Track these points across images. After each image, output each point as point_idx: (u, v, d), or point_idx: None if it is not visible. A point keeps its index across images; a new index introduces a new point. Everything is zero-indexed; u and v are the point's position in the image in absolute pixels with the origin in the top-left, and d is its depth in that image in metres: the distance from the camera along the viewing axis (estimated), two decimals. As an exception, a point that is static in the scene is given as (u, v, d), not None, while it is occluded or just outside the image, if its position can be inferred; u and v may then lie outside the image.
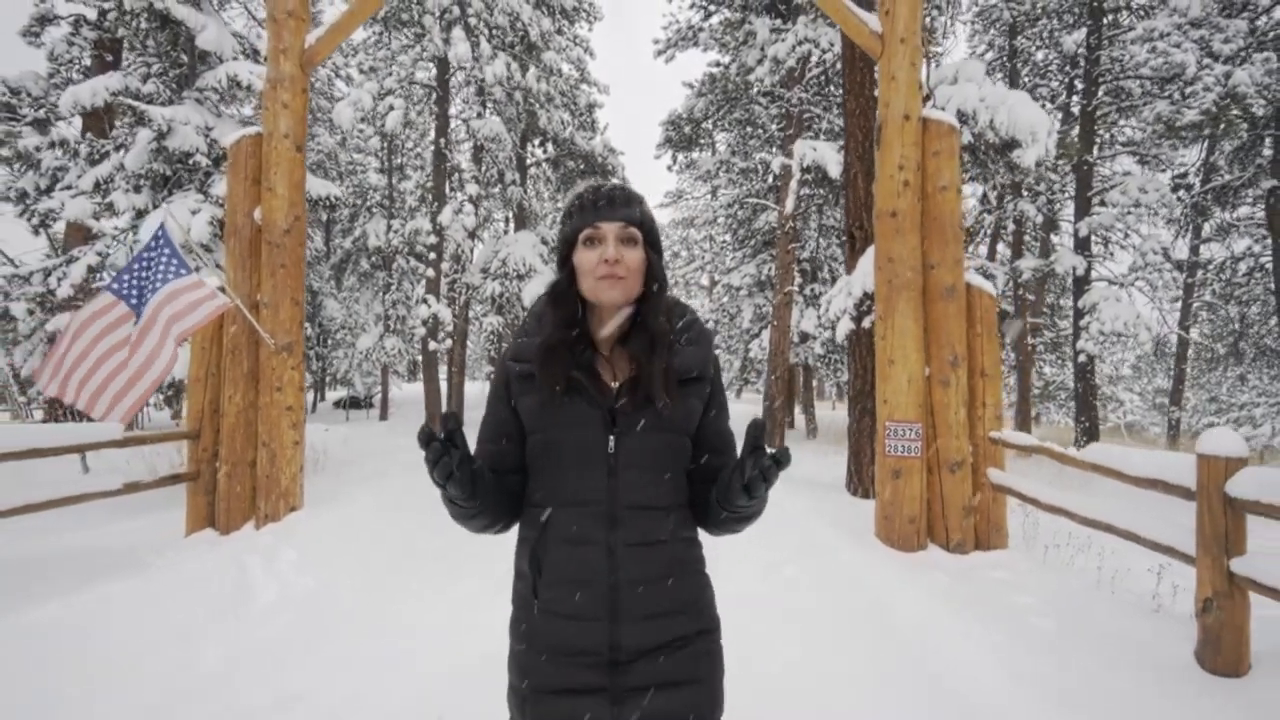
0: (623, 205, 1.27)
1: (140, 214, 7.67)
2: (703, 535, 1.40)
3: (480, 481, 1.18)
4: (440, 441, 1.05)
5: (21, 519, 4.96)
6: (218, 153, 7.83)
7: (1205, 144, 16.36)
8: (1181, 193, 16.70)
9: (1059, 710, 2.66)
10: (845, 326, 7.19)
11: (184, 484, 5.95)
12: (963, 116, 6.73)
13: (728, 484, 1.18)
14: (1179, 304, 18.36)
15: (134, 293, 4.91)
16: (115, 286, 4.93)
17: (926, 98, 7.24)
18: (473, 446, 1.30)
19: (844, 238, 8.01)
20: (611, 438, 1.24)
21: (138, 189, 7.51)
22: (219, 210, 7.39)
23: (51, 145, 7.90)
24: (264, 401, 5.86)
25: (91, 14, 10.82)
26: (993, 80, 17.92)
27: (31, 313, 7.71)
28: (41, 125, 11.07)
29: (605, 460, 1.24)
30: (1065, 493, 4.90)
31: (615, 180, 1.27)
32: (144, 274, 4.87)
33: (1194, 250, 17.99)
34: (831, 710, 2.79)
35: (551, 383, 1.23)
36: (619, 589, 1.22)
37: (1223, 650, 3.09)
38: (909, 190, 5.38)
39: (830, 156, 8.31)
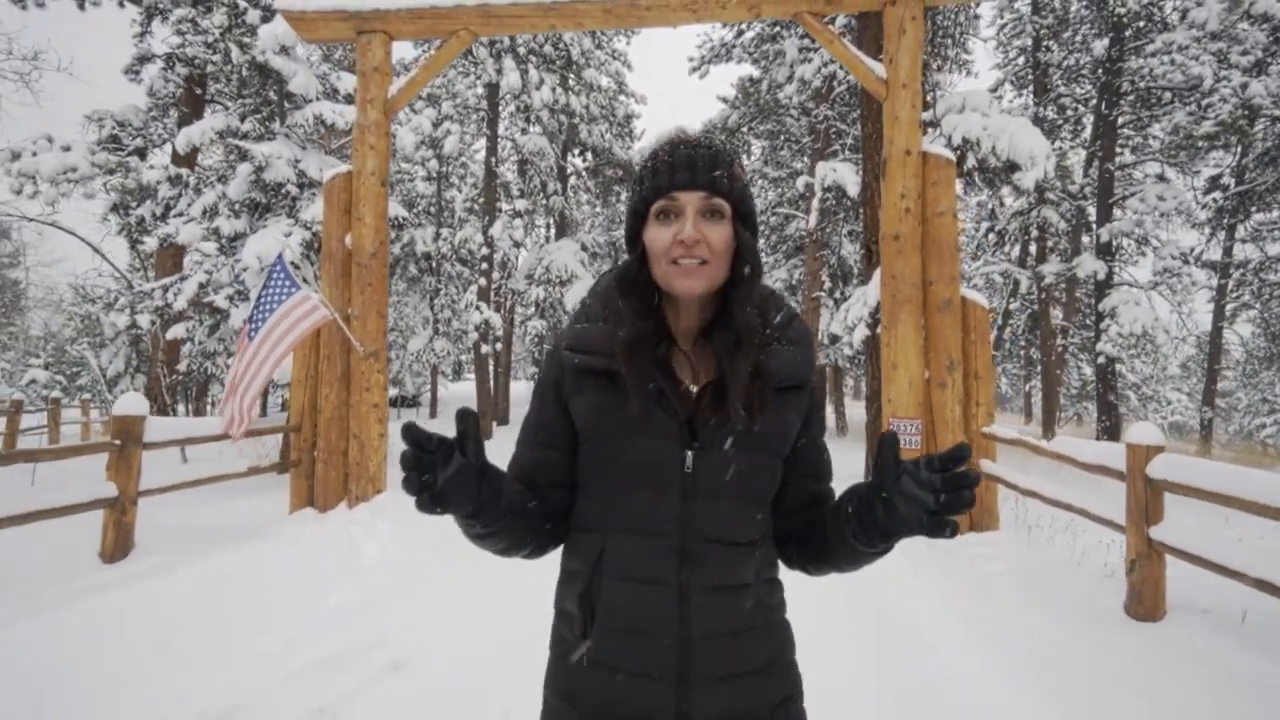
0: (707, 169, 1.02)
1: (238, 236, 8.82)
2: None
3: (492, 501, 0.94)
4: (431, 450, 0.83)
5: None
6: (304, 181, 8.93)
7: (1239, 148, 16.56)
8: (1216, 194, 16.91)
9: (982, 637, 3.46)
10: (861, 333, 7.96)
11: (270, 470, 6.96)
12: (967, 143, 7.43)
13: (883, 517, 0.92)
14: (1211, 305, 18.46)
15: (254, 325, 5.88)
16: (249, 327, 5.95)
17: (934, 124, 7.96)
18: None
19: (862, 250, 8.77)
20: (689, 454, 1.02)
21: (237, 215, 8.67)
22: (307, 233, 8.48)
23: (169, 180, 9.13)
24: (355, 400, 6.88)
25: (177, 47, 12.07)
26: (1018, 90, 18.31)
27: (154, 323, 8.98)
28: (141, 154, 12.43)
29: (680, 482, 1.02)
30: (1064, 486, 5.58)
31: (697, 134, 1.08)
32: (264, 301, 5.87)
33: (1227, 252, 18.10)
34: (810, 630, 3.62)
35: (642, 387, 1.02)
36: (691, 643, 1.01)
37: (1144, 600, 3.83)
38: (910, 216, 6.14)
39: (849, 177, 9.06)
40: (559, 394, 1.11)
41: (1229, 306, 19.19)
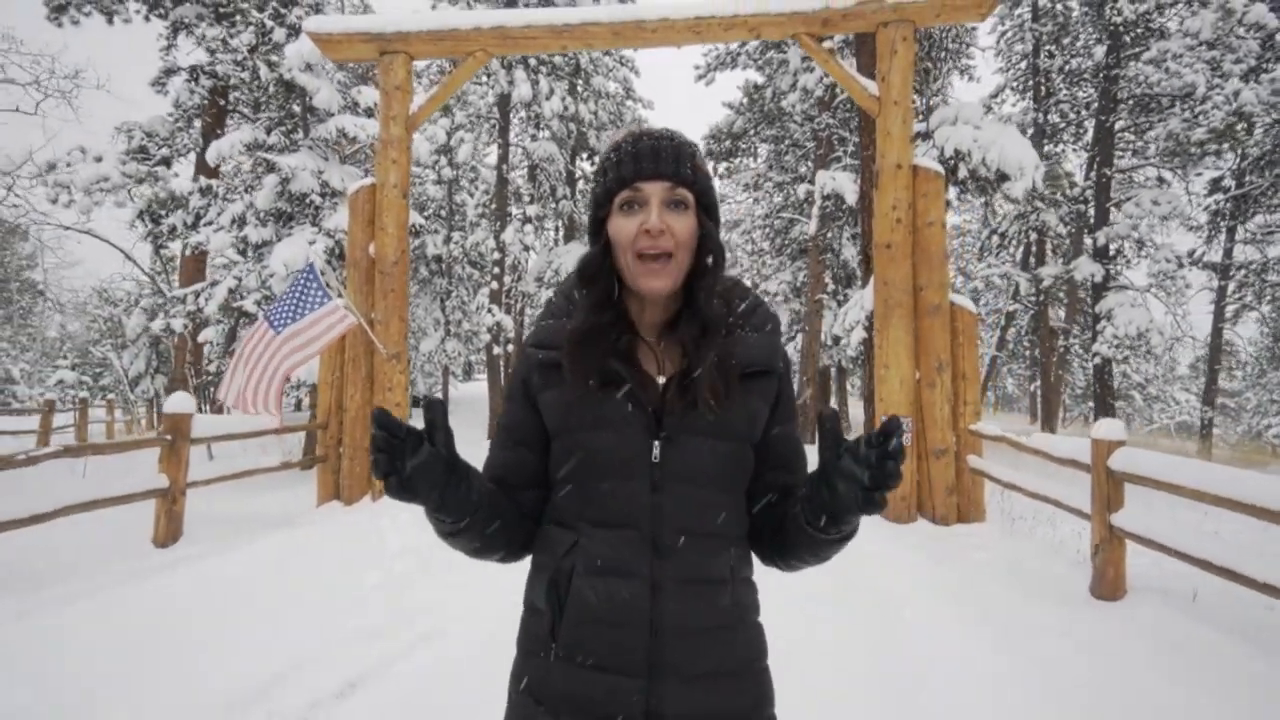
0: (670, 159, 1.03)
1: (265, 244, 9.27)
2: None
3: (460, 495, 0.95)
4: (400, 437, 0.86)
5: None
6: (327, 191, 9.37)
7: (1240, 151, 16.82)
8: (1218, 196, 17.17)
9: (953, 604, 3.84)
10: (858, 335, 8.32)
11: (296, 466, 7.41)
12: (959, 154, 7.79)
13: (827, 498, 0.93)
14: (1212, 306, 18.68)
15: (279, 318, 6.26)
16: (267, 312, 6.36)
17: (928, 136, 8.32)
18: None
19: (860, 255, 9.14)
20: (656, 444, 1.03)
21: (264, 223, 9.12)
22: (330, 240, 8.93)
23: (200, 190, 9.61)
24: (378, 399, 7.30)
25: (205, 64, 12.57)
26: (1021, 95, 18.61)
27: (186, 327, 9.47)
28: (166, 163, 12.93)
29: (648, 472, 1.02)
30: (1047, 480, 5.93)
31: (661, 127, 1.10)
32: (293, 301, 6.26)
33: (1228, 254, 18.34)
34: (802, 595, 4.00)
35: (583, 376, 1.04)
36: (662, 636, 1.00)
37: (1105, 581, 4.19)
38: (901, 226, 6.51)
39: (847, 186, 9.43)
40: (527, 391, 1.12)
41: (1232, 308, 19.44)
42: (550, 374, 1.09)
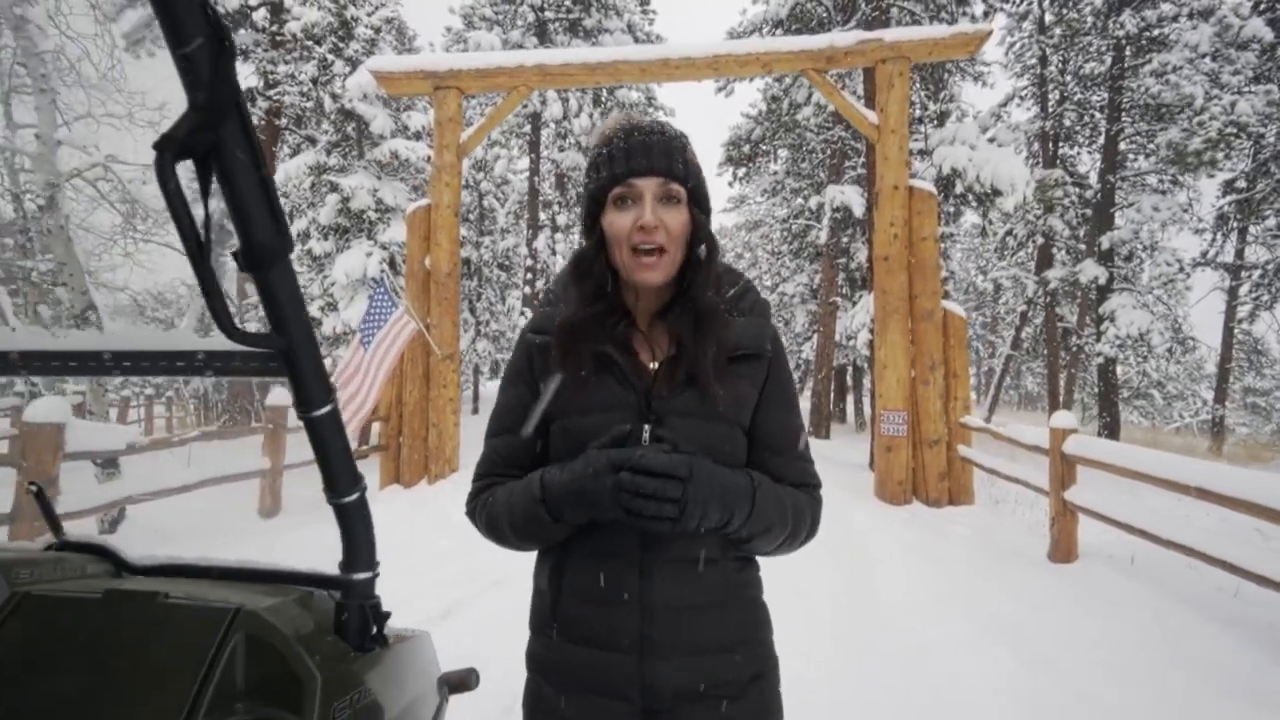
0: (662, 155, 1.03)
1: (326, 255, 10.29)
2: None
3: None
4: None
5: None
6: (381, 208, 10.36)
7: (1251, 154, 17.25)
8: (1231, 197, 17.61)
9: (922, 559, 4.68)
10: (864, 337, 9.11)
11: (357, 451, 8.41)
12: (955, 172, 8.56)
13: None
14: (1224, 306, 19.09)
15: (368, 335, 7.12)
16: (361, 335, 7.22)
17: (928, 153, 9.08)
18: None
19: (868, 263, 9.91)
20: (646, 427, 1.04)
21: (326, 237, 10.14)
22: (384, 253, 9.91)
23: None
24: (433, 395, 8.25)
25: (274, 92, 13.63)
26: (1035, 101, 19.16)
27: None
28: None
29: None
30: (1035, 470, 6.70)
31: (650, 119, 1.14)
32: (373, 317, 7.15)
33: (1239, 255, 18.74)
34: (807, 566, 4.85)
35: (575, 366, 1.06)
36: (652, 615, 1.03)
37: (1060, 548, 4.98)
38: (898, 241, 7.31)
39: (855, 199, 10.22)
40: (531, 375, 1.13)
41: (1246, 308, 19.80)
42: (548, 358, 1.11)
